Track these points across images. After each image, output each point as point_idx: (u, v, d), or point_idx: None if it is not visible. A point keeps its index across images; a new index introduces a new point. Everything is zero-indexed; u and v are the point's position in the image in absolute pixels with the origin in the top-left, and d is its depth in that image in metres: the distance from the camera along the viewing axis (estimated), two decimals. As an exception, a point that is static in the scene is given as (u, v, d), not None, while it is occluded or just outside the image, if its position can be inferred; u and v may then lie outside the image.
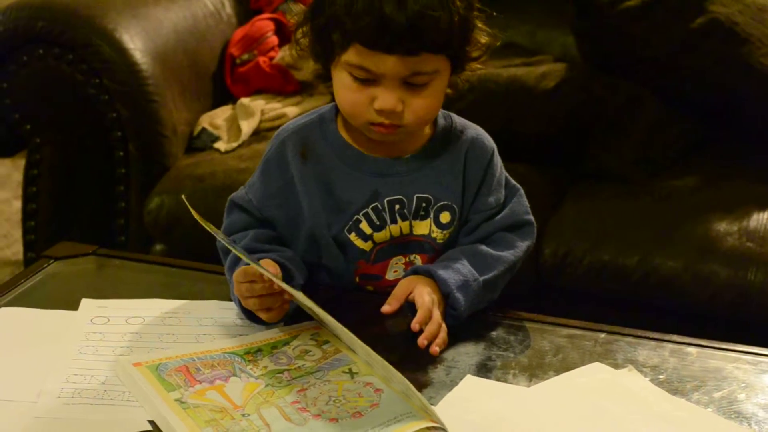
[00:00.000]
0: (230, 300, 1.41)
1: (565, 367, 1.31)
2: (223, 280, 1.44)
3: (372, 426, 1.16)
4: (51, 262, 1.57)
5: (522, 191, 1.51)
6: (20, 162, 2.84)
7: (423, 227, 1.46)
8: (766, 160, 2.44)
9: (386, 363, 1.19)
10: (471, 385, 1.27)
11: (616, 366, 1.32)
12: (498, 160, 1.49)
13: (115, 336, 1.36)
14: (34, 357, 1.32)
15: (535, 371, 1.31)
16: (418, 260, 1.47)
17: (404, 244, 1.46)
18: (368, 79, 1.36)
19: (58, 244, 1.62)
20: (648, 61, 2.51)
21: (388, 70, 1.34)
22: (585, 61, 2.63)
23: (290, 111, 2.67)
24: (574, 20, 2.62)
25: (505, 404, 1.23)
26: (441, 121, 1.48)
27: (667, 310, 2.21)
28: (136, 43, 2.47)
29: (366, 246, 1.45)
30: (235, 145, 2.57)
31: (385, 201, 1.44)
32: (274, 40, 2.82)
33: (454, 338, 1.35)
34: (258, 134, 2.62)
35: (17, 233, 3.13)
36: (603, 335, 1.39)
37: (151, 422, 1.19)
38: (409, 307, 1.36)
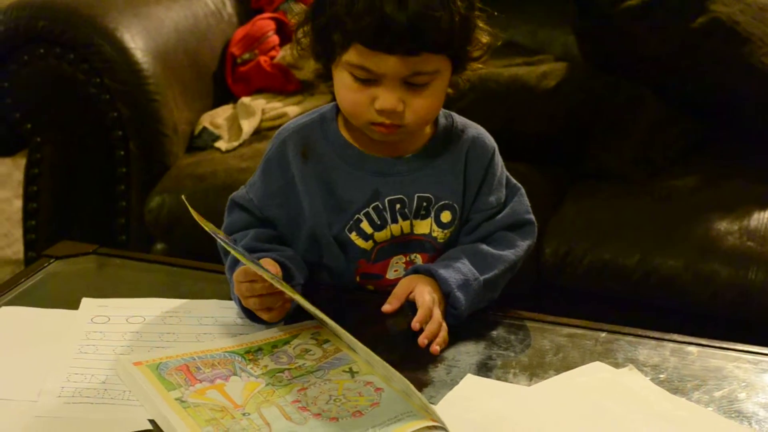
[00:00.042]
0: (231, 299, 1.41)
1: (566, 366, 1.31)
2: (224, 279, 1.44)
3: (372, 425, 1.16)
4: (51, 261, 1.57)
5: (523, 190, 1.51)
6: (21, 161, 2.84)
7: (424, 226, 1.46)
8: (767, 159, 2.44)
9: (386, 363, 1.19)
10: (471, 384, 1.27)
11: (617, 365, 1.32)
12: (499, 159, 1.49)
13: (115, 335, 1.36)
14: (34, 356, 1.32)
15: (535, 370, 1.31)
16: (418, 259, 1.47)
17: (405, 244, 1.46)
18: (369, 79, 1.36)
19: (58, 243, 1.62)
20: (649, 61, 2.51)
21: (388, 70, 1.34)
22: (586, 61, 2.63)
23: (291, 110, 2.67)
24: (575, 20, 2.62)
25: (505, 403, 1.23)
26: (442, 121, 1.48)
27: (667, 310, 2.21)
28: (137, 42, 2.47)
29: (367, 245, 1.45)
30: (235, 144, 2.57)
31: (386, 200, 1.44)
32: (275, 39, 2.82)
33: (455, 337, 1.35)
34: (259, 133, 2.62)
35: (18, 232, 3.13)
36: (603, 334, 1.39)
37: (152, 421, 1.19)
38: (409, 307, 1.36)
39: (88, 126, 2.51)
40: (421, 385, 1.25)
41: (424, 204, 1.45)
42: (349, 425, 1.17)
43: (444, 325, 1.35)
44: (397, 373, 1.18)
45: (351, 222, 1.44)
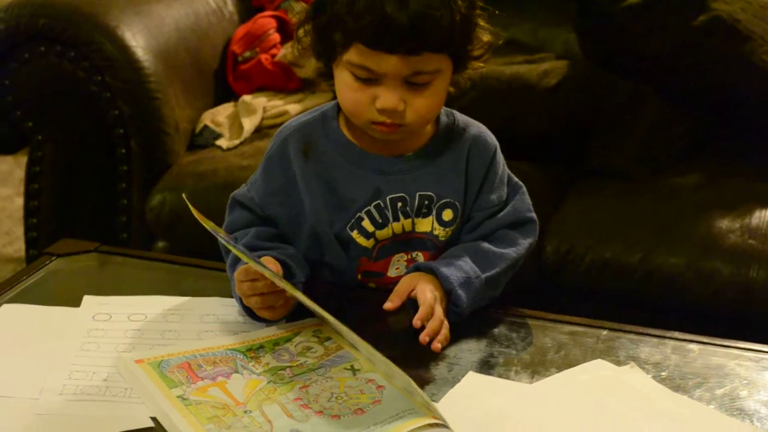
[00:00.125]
0: (232, 297, 1.41)
1: (567, 364, 1.31)
2: (225, 276, 1.44)
3: (374, 423, 1.16)
4: (53, 259, 1.57)
5: (524, 189, 1.51)
6: (22, 159, 2.84)
7: (425, 225, 1.46)
8: (768, 157, 2.44)
9: (388, 361, 1.20)
10: (473, 381, 1.27)
11: (618, 363, 1.32)
12: (500, 157, 1.49)
13: (117, 333, 1.36)
14: (36, 354, 1.32)
15: (537, 368, 1.31)
16: (420, 257, 1.47)
17: (406, 242, 1.46)
18: (370, 79, 1.36)
19: (60, 241, 1.62)
20: (650, 59, 2.50)
21: (389, 69, 1.34)
22: (587, 59, 2.63)
23: (292, 108, 2.67)
24: (576, 18, 2.62)
25: (507, 401, 1.23)
26: (443, 119, 1.48)
27: (669, 308, 2.21)
28: (138, 40, 2.47)
29: (368, 243, 1.45)
30: (237, 142, 2.57)
31: (388, 198, 1.44)
32: (276, 37, 2.81)
33: (456, 335, 1.35)
34: (260, 132, 2.62)
35: (19, 230, 3.12)
36: (605, 332, 1.39)
37: (153, 419, 1.19)
38: (411, 304, 1.36)
39: (90, 124, 2.51)
40: (422, 383, 1.25)
41: (426, 202, 1.45)
42: (351, 423, 1.17)
43: (445, 322, 1.35)
44: (399, 371, 1.18)
45: (352, 220, 1.44)
